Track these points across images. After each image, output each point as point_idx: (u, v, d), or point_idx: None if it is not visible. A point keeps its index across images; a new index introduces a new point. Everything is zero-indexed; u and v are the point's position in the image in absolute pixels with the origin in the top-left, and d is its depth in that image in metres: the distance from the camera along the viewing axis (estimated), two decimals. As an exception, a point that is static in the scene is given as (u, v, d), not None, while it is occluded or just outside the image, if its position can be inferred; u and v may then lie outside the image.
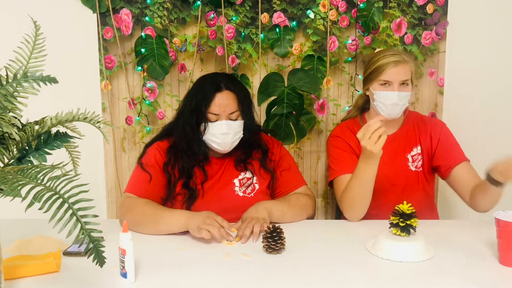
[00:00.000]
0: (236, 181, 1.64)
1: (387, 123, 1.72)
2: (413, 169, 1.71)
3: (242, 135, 1.62)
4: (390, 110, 1.64)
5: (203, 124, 1.58)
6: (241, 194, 1.63)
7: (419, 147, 1.72)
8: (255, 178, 1.65)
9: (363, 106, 1.82)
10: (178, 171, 1.61)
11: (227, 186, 1.63)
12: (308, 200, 1.66)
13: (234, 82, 1.66)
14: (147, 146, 1.68)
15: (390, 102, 1.62)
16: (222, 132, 1.56)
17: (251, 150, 1.67)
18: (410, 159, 1.71)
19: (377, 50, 2.10)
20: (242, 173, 1.65)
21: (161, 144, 1.66)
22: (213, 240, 1.37)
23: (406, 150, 1.71)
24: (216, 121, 1.57)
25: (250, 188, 1.64)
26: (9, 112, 0.95)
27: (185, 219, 1.41)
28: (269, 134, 1.82)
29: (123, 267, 1.11)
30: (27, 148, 1.01)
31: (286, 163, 1.70)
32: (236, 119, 1.59)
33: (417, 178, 1.72)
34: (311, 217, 1.66)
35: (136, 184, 1.59)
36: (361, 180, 1.51)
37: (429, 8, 2.10)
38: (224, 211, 1.53)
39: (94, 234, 0.84)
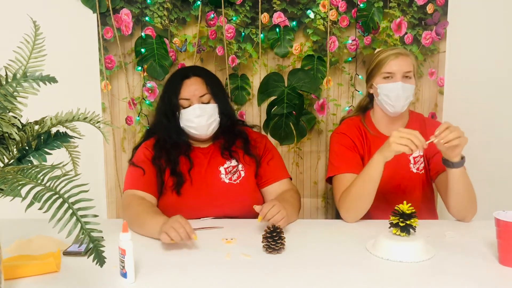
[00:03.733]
0: (222, 169, 1.68)
1: (392, 121, 1.72)
2: (414, 171, 1.70)
3: (219, 120, 1.67)
4: (395, 102, 1.63)
5: (177, 112, 1.65)
6: (227, 181, 1.67)
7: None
8: (240, 165, 1.69)
9: (366, 107, 1.82)
10: (164, 161, 1.65)
11: (213, 173, 1.67)
12: (298, 196, 1.71)
13: (202, 70, 1.75)
14: (135, 148, 1.74)
15: (394, 93, 1.62)
16: (196, 115, 1.62)
17: (234, 138, 1.72)
18: (412, 161, 1.70)
19: (378, 49, 2.10)
20: (228, 162, 1.69)
21: (148, 142, 1.72)
22: (212, 239, 1.37)
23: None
24: (188, 106, 1.63)
25: (236, 175, 1.68)
26: (9, 112, 0.95)
27: (159, 227, 1.35)
28: (254, 129, 1.84)
29: (123, 267, 1.11)
30: (27, 148, 1.01)
31: (271, 154, 1.75)
32: (208, 102, 1.65)
33: (418, 180, 1.71)
34: (299, 209, 1.69)
35: (133, 180, 1.63)
36: (367, 178, 1.51)
37: (429, 8, 2.10)
38: (212, 198, 1.61)
39: (94, 234, 0.84)
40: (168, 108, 1.66)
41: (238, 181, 1.67)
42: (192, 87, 1.64)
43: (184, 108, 1.64)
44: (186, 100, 1.63)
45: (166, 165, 1.65)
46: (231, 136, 1.72)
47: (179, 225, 1.30)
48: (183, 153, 1.68)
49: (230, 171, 1.68)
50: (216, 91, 1.67)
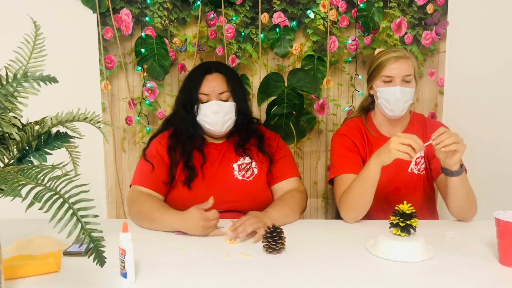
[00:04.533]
0: (235, 166, 1.69)
1: (393, 122, 1.72)
2: (416, 171, 1.70)
3: (235, 118, 1.68)
4: (394, 107, 1.63)
5: (196, 106, 1.66)
6: (240, 177, 1.68)
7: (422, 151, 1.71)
8: (254, 163, 1.70)
9: (368, 107, 1.82)
10: (179, 153, 1.68)
11: (227, 170, 1.68)
12: (302, 196, 1.69)
13: (225, 67, 1.77)
14: (152, 138, 1.76)
15: (392, 97, 1.62)
16: (213, 111, 1.63)
17: (248, 136, 1.73)
18: (413, 162, 1.70)
19: (378, 49, 2.10)
20: (241, 159, 1.70)
21: (162, 136, 1.74)
22: (212, 238, 1.38)
23: None
24: (207, 101, 1.65)
25: (249, 172, 1.69)
26: (9, 112, 0.95)
27: (179, 226, 1.46)
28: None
29: (123, 267, 1.11)
30: (27, 148, 1.01)
31: (284, 152, 1.76)
32: (226, 100, 1.66)
33: (419, 181, 1.71)
34: (304, 210, 1.69)
35: (141, 175, 1.66)
36: (365, 181, 1.50)
37: (429, 8, 2.10)
38: (224, 194, 1.62)
39: (94, 234, 0.84)
40: (187, 100, 1.68)
41: (251, 178, 1.68)
42: (213, 83, 1.65)
43: (203, 102, 1.65)
44: (205, 95, 1.65)
45: (180, 158, 1.67)
46: (246, 133, 1.73)
47: (207, 224, 1.40)
48: (197, 147, 1.69)
49: (244, 168, 1.69)
50: (236, 89, 1.69)
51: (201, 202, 1.60)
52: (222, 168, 1.68)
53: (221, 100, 1.65)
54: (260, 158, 1.71)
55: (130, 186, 1.67)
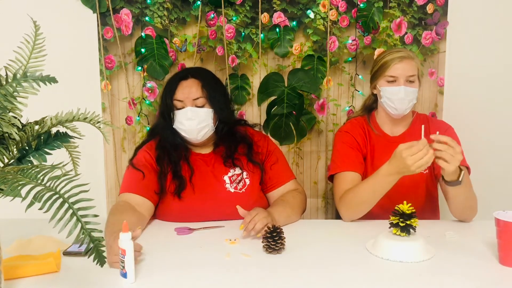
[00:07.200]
0: (226, 178, 1.65)
1: (395, 122, 1.72)
2: None
3: (213, 125, 1.62)
4: (397, 106, 1.63)
5: (172, 113, 1.61)
6: (232, 190, 1.64)
7: None
8: (244, 173, 1.66)
9: (371, 106, 1.82)
10: (166, 163, 1.64)
11: (218, 183, 1.64)
12: (302, 196, 1.69)
13: (202, 72, 1.70)
14: (138, 148, 1.70)
15: (396, 97, 1.62)
16: (187, 118, 1.58)
17: (235, 145, 1.69)
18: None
19: (378, 49, 2.10)
20: (232, 170, 1.66)
21: (148, 145, 1.68)
22: (212, 238, 1.38)
23: None
24: (182, 108, 1.60)
25: (241, 183, 1.65)
26: (9, 112, 0.95)
27: None
28: (255, 128, 1.81)
29: (123, 267, 1.11)
30: (27, 148, 1.01)
31: (275, 156, 1.72)
32: (202, 106, 1.60)
33: (422, 180, 1.70)
34: (304, 210, 1.68)
35: (131, 183, 1.59)
36: (378, 190, 1.50)
37: (429, 8, 2.10)
38: (218, 207, 1.59)
39: (94, 234, 0.84)
40: (164, 107, 1.64)
41: (243, 189, 1.64)
42: (187, 89, 1.59)
43: (178, 109, 1.60)
44: (179, 101, 1.59)
45: (168, 168, 1.62)
46: (232, 142, 1.68)
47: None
48: (182, 157, 1.65)
49: (235, 180, 1.65)
50: (213, 95, 1.61)
51: (192, 214, 1.59)
52: (213, 181, 1.64)
53: (196, 106, 1.59)
54: (251, 167, 1.67)
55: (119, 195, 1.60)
